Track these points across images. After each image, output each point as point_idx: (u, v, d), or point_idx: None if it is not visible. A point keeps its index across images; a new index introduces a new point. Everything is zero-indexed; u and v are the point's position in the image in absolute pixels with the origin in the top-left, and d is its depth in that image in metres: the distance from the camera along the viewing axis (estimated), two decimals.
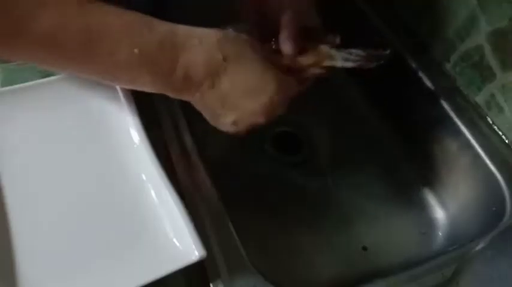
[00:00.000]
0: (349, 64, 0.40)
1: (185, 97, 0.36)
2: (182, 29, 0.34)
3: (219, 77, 0.34)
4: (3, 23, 0.29)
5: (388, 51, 0.40)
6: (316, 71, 0.40)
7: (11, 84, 0.41)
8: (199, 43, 0.33)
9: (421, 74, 0.54)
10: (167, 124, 0.44)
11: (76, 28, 0.30)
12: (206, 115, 0.38)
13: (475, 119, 0.50)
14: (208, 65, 0.34)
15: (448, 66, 0.54)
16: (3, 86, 0.42)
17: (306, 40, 0.40)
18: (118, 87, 0.42)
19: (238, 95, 0.35)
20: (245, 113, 0.36)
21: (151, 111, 0.44)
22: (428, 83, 0.53)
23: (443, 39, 0.53)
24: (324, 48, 0.40)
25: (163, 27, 0.33)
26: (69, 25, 0.30)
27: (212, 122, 0.38)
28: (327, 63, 0.40)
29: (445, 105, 0.51)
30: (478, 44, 0.49)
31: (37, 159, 0.38)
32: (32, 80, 0.41)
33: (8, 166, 0.37)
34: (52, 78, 0.42)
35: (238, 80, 0.35)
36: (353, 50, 0.40)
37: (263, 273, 0.36)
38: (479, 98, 0.51)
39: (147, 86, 0.35)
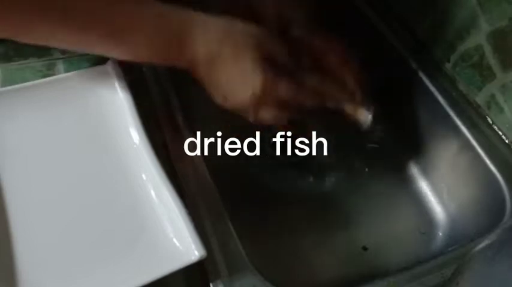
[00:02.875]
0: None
1: (191, 72, 0.39)
2: (188, 16, 0.37)
3: (215, 66, 0.37)
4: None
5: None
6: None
7: (11, 84, 0.41)
8: (203, 33, 0.37)
9: (421, 74, 0.54)
10: (167, 124, 0.44)
11: (107, 18, 0.34)
12: (206, 89, 0.40)
13: (475, 119, 0.50)
14: (207, 55, 0.37)
15: (448, 66, 0.54)
16: (3, 86, 0.42)
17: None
18: (118, 88, 0.42)
19: (226, 82, 0.38)
20: (232, 97, 0.39)
21: (151, 111, 0.44)
22: (428, 83, 0.53)
23: (443, 39, 0.53)
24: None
25: (174, 15, 0.36)
26: (101, 16, 0.34)
27: (211, 95, 0.41)
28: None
29: (445, 105, 0.51)
30: (478, 44, 0.49)
31: (37, 159, 0.38)
32: (32, 80, 0.42)
33: (7, 165, 0.37)
34: (52, 78, 0.42)
35: (227, 70, 0.38)
36: None
37: (263, 273, 0.36)
38: (479, 98, 0.51)
39: (159, 61, 0.38)
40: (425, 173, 0.57)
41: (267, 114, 0.39)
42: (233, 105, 0.39)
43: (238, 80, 0.38)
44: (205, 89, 0.40)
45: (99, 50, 0.37)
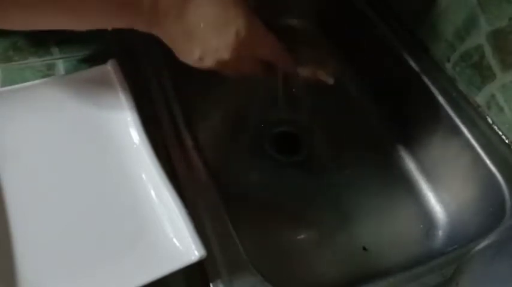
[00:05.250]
0: None
1: (154, 30, 0.34)
2: None
3: (186, 7, 0.32)
4: None
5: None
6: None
7: (11, 84, 0.41)
8: None
9: (421, 74, 0.54)
10: (167, 124, 0.44)
11: None
12: (174, 50, 0.36)
13: (475, 119, 0.50)
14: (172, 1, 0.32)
15: (448, 66, 0.54)
16: (3, 86, 0.42)
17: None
18: (118, 88, 0.42)
19: (203, 29, 0.33)
20: (210, 49, 0.34)
21: (151, 111, 0.44)
22: (428, 83, 0.53)
23: (443, 39, 0.53)
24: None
25: None
26: None
27: (180, 57, 0.36)
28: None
29: (445, 105, 0.51)
30: (478, 44, 0.49)
31: (37, 159, 0.38)
32: (32, 80, 0.42)
33: (7, 165, 0.37)
34: (52, 78, 0.42)
35: (205, 12, 0.33)
36: None
37: (263, 273, 0.36)
38: (479, 98, 0.51)
39: (114, 20, 0.33)
40: (426, 173, 0.57)
41: (247, 63, 0.36)
42: (211, 57, 0.35)
43: (219, 20, 0.33)
44: (177, 55, 0.36)
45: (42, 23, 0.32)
